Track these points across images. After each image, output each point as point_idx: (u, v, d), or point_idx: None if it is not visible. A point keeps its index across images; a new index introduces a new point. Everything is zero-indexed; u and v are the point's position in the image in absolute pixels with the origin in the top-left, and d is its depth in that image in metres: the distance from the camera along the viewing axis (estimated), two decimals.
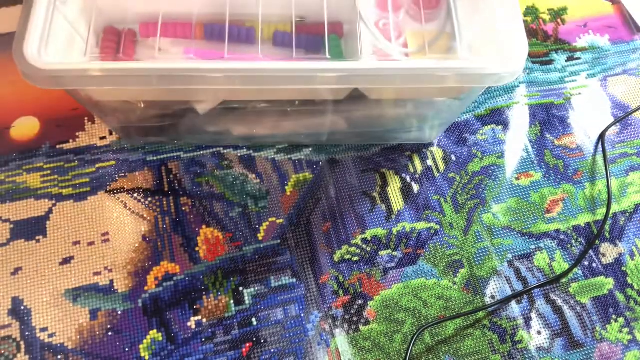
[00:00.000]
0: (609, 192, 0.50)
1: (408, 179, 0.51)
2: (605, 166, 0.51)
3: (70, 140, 0.50)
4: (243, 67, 0.34)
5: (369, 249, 0.47)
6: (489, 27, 0.37)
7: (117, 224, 0.47)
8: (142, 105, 0.41)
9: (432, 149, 0.52)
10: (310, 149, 0.51)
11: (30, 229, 0.46)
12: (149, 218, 0.47)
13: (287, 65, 0.34)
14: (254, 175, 0.50)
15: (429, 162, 0.51)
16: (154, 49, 0.40)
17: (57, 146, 0.50)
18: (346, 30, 0.43)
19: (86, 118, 0.51)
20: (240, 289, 0.45)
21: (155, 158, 0.50)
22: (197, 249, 0.46)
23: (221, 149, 0.51)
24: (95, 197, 0.48)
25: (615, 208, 0.50)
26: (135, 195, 0.48)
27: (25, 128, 0.51)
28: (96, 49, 0.42)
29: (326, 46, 0.37)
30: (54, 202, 0.48)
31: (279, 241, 0.47)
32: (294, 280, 0.46)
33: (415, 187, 0.50)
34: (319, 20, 0.39)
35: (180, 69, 0.34)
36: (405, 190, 0.50)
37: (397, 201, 0.49)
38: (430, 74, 0.36)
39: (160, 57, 0.40)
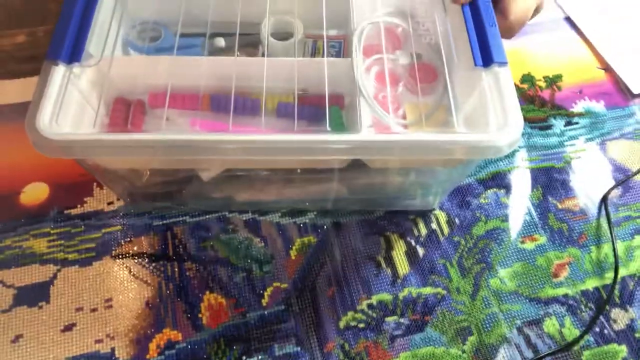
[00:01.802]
0: (615, 256, 0.49)
1: (413, 243, 0.50)
2: (610, 230, 0.51)
3: (78, 206, 0.51)
4: (246, 139, 0.35)
5: (375, 315, 0.47)
6: (484, 100, 0.39)
7: (121, 290, 0.47)
8: (148, 173, 0.42)
9: (435, 212, 0.52)
10: (315, 213, 0.52)
11: (34, 295, 0.46)
12: (152, 284, 0.47)
13: (288, 138, 0.36)
14: (258, 239, 0.50)
15: (433, 226, 0.51)
16: (162, 119, 0.41)
17: (65, 211, 0.51)
18: (347, 102, 0.45)
19: (94, 183, 0.52)
20: (243, 357, 0.44)
21: (161, 222, 0.50)
22: (200, 315, 0.46)
23: (226, 213, 0.51)
24: (100, 262, 0.48)
25: (623, 272, 0.50)
26: (140, 260, 0.48)
27: (35, 194, 0.52)
28: (106, 118, 0.44)
29: (327, 118, 0.39)
30: (58, 267, 0.48)
31: (283, 307, 0.47)
32: (299, 348, 0.45)
33: (421, 251, 0.50)
34: (320, 93, 0.40)
35: (185, 140, 0.35)
36: (411, 254, 0.50)
37: (402, 265, 0.49)
38: (427, 146, 0.37)
39: (167, 127, 0.42)
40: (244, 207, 0.51)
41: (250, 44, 0.48)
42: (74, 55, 0.39)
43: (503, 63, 0.40)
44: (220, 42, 0.48)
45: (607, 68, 0.63)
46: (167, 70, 0.43)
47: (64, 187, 0.52)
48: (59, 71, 0.38)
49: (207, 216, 0.51)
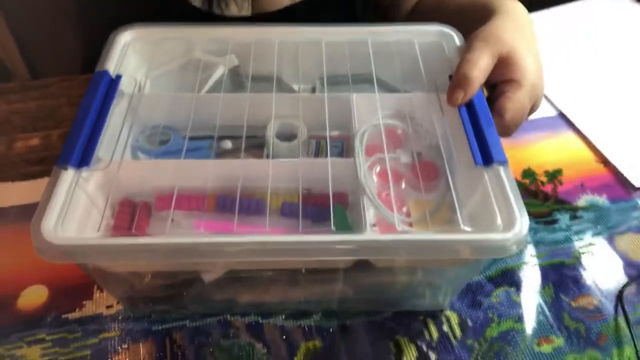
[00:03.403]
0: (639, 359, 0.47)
1: (424, 347, 0.48)
2: (630, 330, 0.49)
3: (77, 309, 0.49)
4: (249, 240, 0.35)
5: None
6: (487, 198, 0.39)
7: None
8: (149, 277, 0.42)
9: (446, 312, 0.50)
10: (320, 314, 0.50)
11: None
12: None
13: (292, 239, 0.35)
14: (261, 345, 0.48)
15: (445, 328, 0.49)
16: (167, 220, 0.41)
17: (62, 316, 0.49)
18: (351, 201, 0.45)
19: (95, 286, 0.51)
20: None
21: (160, 327, 0.48)
22: None
23: (228, 315, 0.49)
24: None
25: None
26: None
27: (33, 297, 0.50)
28: (111, 220, 0.44)
29: (331, 217, 0.39)
30: None
31: None
32: None
33: (433, 356, 0.47)
34: (324, 192, 0.41)
35: (187, 244, 0.35)
36: None
37: None
38: (433, 246, 0.36)
39: (171, 229, 0.42)
40: (247, 309, 0.50)
41: (256, 145, 0.50)
42: (84, 160, 0.40)
43: (503, 162, 0.40)
44: (227, 144, 0.50)
45: (606, 162, 0.64)
46: (174, 173, 0.44)
47: (63, 290, 0.51)
48: (68, 176, 0.39)
49: (208, 320, 0.49)
